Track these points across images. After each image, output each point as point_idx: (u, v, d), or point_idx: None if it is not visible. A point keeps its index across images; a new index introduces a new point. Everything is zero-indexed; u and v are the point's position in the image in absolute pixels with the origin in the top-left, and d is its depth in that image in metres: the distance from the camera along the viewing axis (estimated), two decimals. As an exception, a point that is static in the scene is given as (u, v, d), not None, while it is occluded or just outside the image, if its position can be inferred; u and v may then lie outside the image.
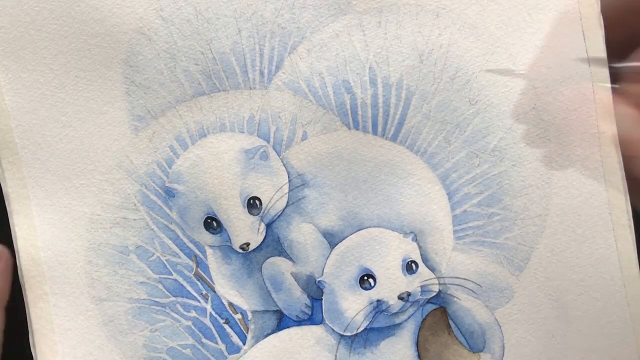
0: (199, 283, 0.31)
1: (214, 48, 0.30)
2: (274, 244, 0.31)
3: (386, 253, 0.31)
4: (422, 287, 0.31)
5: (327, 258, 0.31)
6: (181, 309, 0.31)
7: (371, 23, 0.31)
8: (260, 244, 0.31)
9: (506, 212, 0.32)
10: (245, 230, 0.31)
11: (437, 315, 0.32)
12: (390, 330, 0.31)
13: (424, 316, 0.32)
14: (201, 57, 0.30)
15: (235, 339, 0.31)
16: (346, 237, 0.31)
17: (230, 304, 0.31)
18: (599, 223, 0.32)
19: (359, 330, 0.31)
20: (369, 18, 0.31)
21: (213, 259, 0.31)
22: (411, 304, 0.31)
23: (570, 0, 0.31)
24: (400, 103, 0.31)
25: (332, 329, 0.31)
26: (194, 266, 0.31)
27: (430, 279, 0.31)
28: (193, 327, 0.31)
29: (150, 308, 0.31)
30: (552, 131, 0.31)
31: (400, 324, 0.32)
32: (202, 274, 0.31)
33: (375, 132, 0.31)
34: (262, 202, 0.31)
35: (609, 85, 0.31)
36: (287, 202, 0.31)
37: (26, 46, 0.30)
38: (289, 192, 0.31)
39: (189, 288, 0.31)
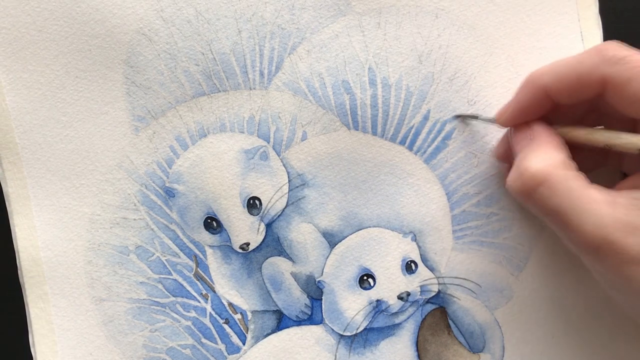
0: (198, 283, 0.31)
1: (214, 49, 0.30)
2: (273, 244, 0.31)
3: (386, 253, 0.31)
4: (421, 287, 0.31)
5: (327, 258, 0.31)
6: (181, 309, 0.31)
7: (370, 24, 0.31)
8: (260, 244, 0.31)
9: (505, 212, 0.32)
10: (245, 230, 0.31)
11: (437, 315, 0.32)
12: (389, 330, 0.31)
13: (423, 316, 0.32)
14: (201, 58, 0.30)
15: (235, 339, 0.31)
16: (346, 237, 0.31)
17: (230, 304, 0.31)
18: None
19: (359, 330, 0.31)
20: (368, 19, 0.31)
21: (213, 259, 0.31)
22: (411, 303, 0.31)
23: (568, 1, 0.31)
24: (400, 103, 0.31)
25: (332, 329, 0.31)
26: (194, 266, 0.31)
27: (430, 278, 0.31)
28: (193, 327, 0.31)
29: (150, 308, 0.31)
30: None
31: (400, 323, 0.32)
32: (202, 274, 0.31)
33: (374, 132, 0.31)
34: (262, 202, 0.31)
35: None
36: (287, 202, 0.31)
37: (27, 47, 0.30)
38: (288, 192, 0.31)
39: (189, 288, 0.31)
